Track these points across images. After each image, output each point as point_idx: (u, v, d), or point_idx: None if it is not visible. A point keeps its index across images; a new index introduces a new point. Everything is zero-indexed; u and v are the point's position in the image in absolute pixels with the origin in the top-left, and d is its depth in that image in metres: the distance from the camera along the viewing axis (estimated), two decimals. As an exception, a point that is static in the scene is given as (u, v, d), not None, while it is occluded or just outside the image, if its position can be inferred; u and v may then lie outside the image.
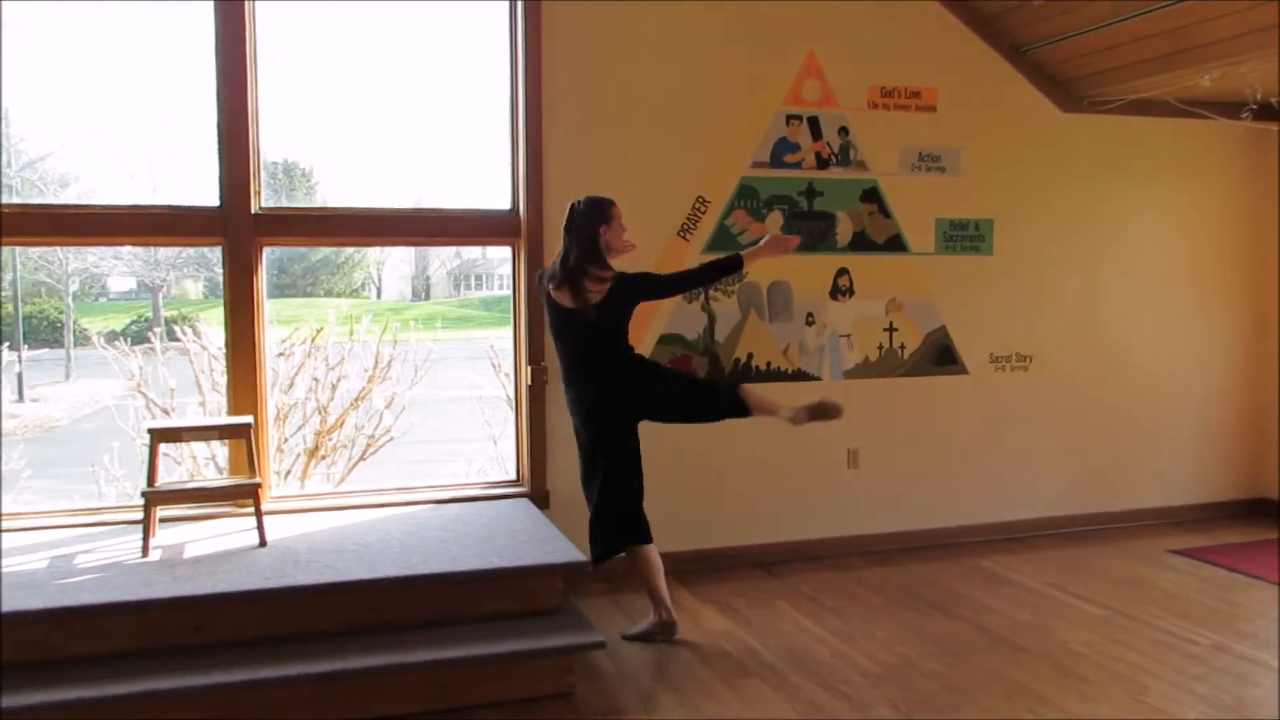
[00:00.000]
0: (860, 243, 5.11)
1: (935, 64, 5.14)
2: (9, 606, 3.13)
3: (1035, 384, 5.48)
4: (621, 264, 3.95)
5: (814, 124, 4.98)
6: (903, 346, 5.23)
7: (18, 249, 11.41)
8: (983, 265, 5.32)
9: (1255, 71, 4.68)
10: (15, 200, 5.78)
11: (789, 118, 4.95)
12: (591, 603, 4.35)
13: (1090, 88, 5.26)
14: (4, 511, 4.19)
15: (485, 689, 3.36)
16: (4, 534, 4.00)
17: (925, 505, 5.33)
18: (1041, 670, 3.66)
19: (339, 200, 5.39)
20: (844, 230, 5.08)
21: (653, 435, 4.78)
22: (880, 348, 5.19)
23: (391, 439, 5.55)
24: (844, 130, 5.03)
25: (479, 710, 3.33)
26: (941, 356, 5.30)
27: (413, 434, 5.69)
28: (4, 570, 3.52)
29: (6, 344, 6.49)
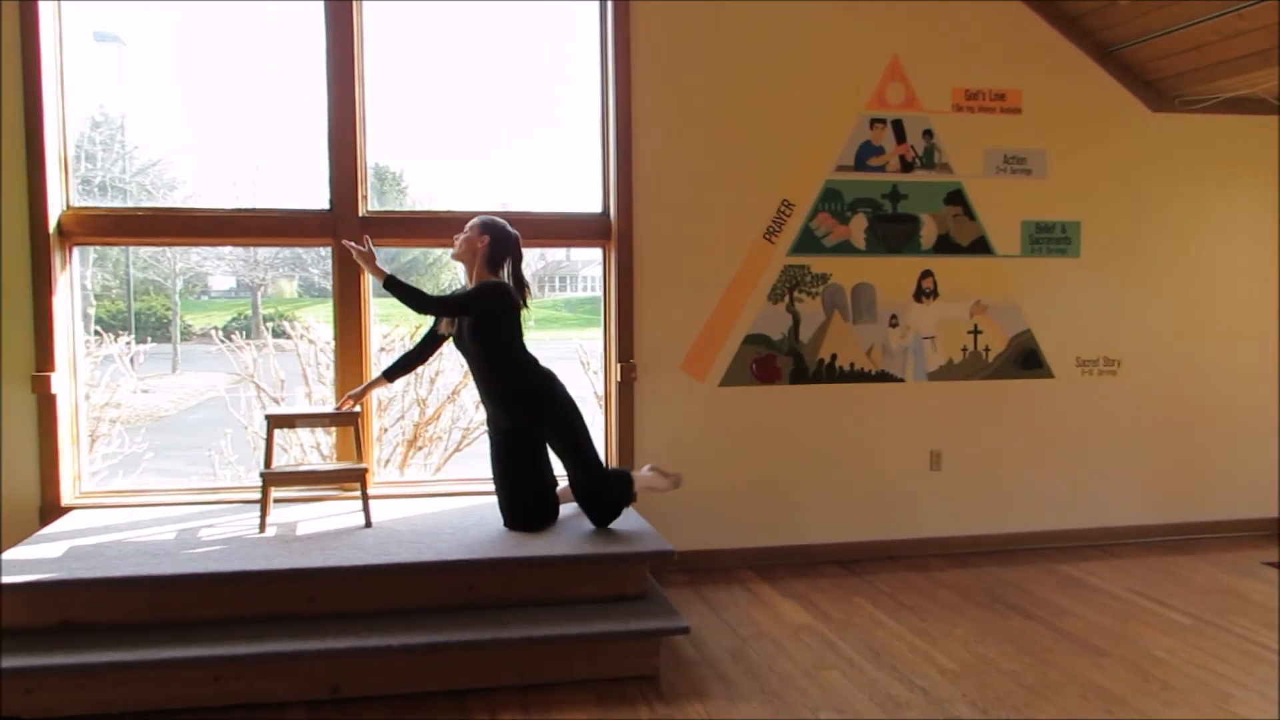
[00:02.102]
0: (944, 245, 5.15)
1: (1021, 66, 5.16)
2: (143, 571, 3.42)
3: (1123, 389, 5.44)
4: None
5: (898, 127, 5.05)
6: (987, 349, 5.25)
7: (130, 249, 12.04)
8: (1070, 267, 5.31)
9: (1355, 67, 4.60)
10: (130, 204, 6.21)
11: (873, 121, 5.02)
12: (674, 592, 4.50)
13: (1181, 86, 5.22)
14: (132, 489, 4.56)
15: (574, 667, 3.52)
16: (135, 508, 4.37)
17: (1007, 509, 5.33)
18: (1121, 674, 3.67)
19: (427, 203, 5.62)
20: (928, 233, 5.13)
21: (739, 432, 4.94)
22: (964, 350, 5.23)
23: (486, 432, 5.76)
24: (928, 133, 5.08)
25: (567, 687, 3.49)
26: (1027, 359, 5.31)
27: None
28: (138, 540, 3.84)
29: (129, 337, 6.92)
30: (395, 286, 3.87)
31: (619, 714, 3.31)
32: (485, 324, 3.96)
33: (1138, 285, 5.42)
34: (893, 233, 5.09)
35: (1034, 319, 5.29)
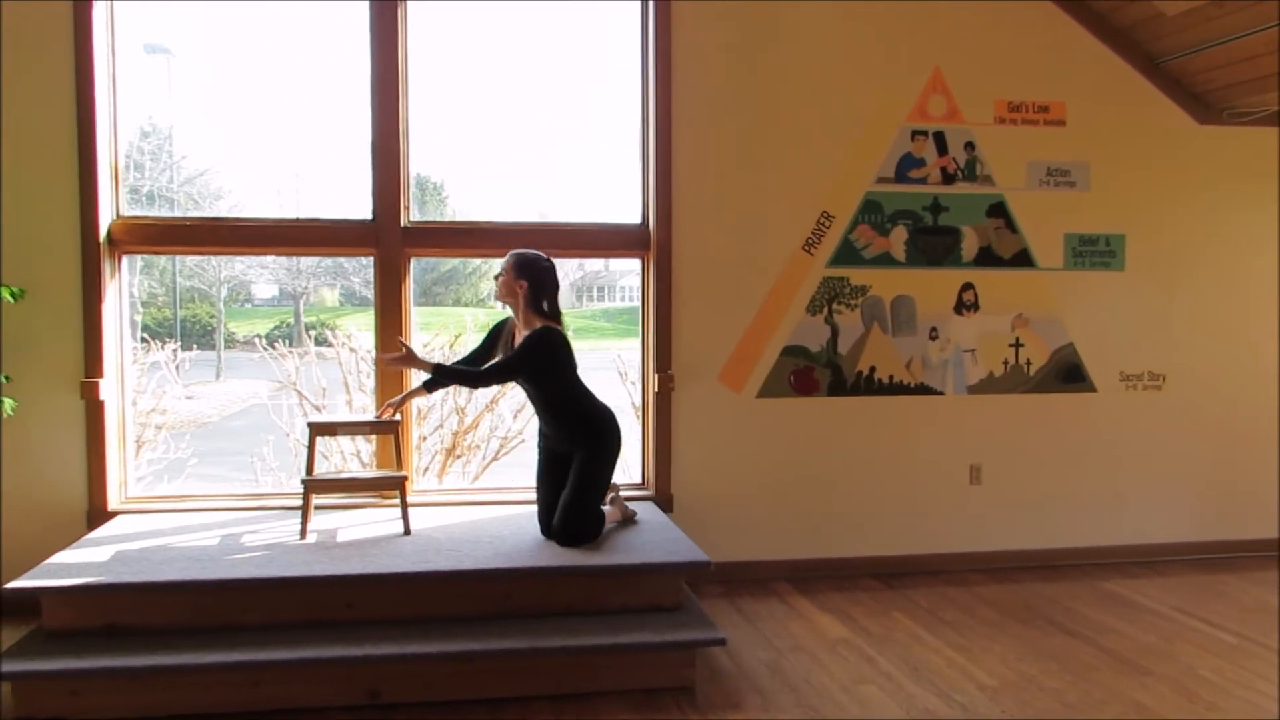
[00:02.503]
0: (986, 258, 5.11)
1: (1065, 77, 5.11)
2: (187, 576, 3.48)
3: (1168, 404, 5.35)
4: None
5: (939, 139, 5.02)
6: (1029, 362, 5.20)
7: (177, 257, 12.28)
8: (1113, 281, 5.24)
9: None
10: (177, 213, 6.33)
11: (914, 133, 5.00)
12: (710, 603, 4.48)
13: (1230, 99, 5.14)
14: (176, 494, 4.63)
15: (610, 677, 3.52)
16: (179, 514, 4.43)
17: (1048, 524, 5.26)
18: (1165, 694, 3.61)
19: (467, 213, 5.68)
20: (969, 245, 5.09)
21: (776, 443, 4.93)
22: (1005, 363, 5.18)
23: (523, 441, 5.80)
24: (970, 145, 5.05)
25: (603, 697, 3.50)
26: (1069, 374, 5.24)
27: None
28: (182, 545, 3.91)
29: (176, 344, 7.03)
30: (447, 374, 4.00)
31: (655, 725, 3.32)
32: (540, 372, 4.02)
33: (1183, 299, 5.34)
34: (933, 245, 5.05)
35: (1077, 332, 5.23)
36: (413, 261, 4.72)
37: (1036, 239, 5.15)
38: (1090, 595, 4.77)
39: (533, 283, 4.01)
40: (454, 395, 5.66)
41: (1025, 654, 3.99)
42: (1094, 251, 5.21)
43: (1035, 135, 5.10)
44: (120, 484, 4.50)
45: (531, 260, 4.05)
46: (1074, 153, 5.14)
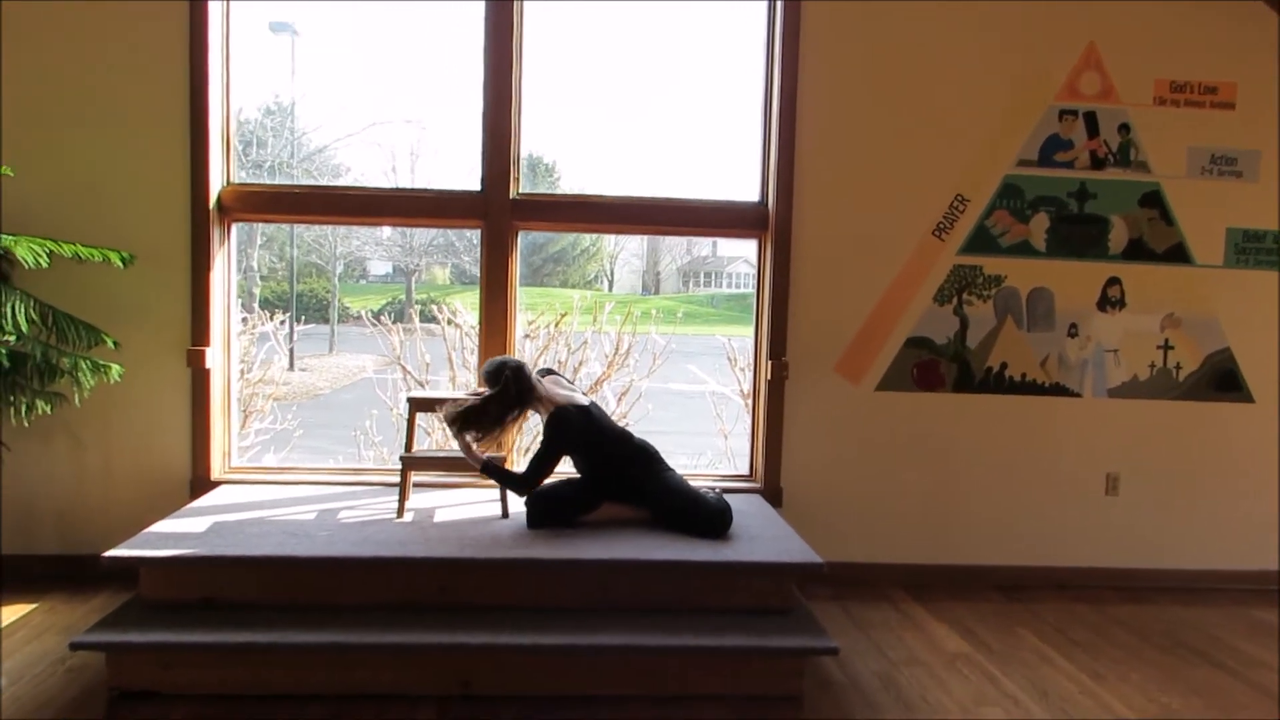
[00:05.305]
0: (1136, 251, 4.69)
1: (1237, 56, 4.64)
2: (281, 552, 3.40)
3: (1335, 418, 4.86)
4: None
5: (1090, 120, 4.62)
6: (1178, 367, 4.77)
7: (297, 230, 12.57)
8: (1280, 282, 4.77)
9: None
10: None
11: (1062, 113, 4.61)
12: (818, 606, 4.23)
13: None
14: (279, 465, 4.60)
15: (711, 681, 3.31)
16: (280, 485, 4.40)
17: (1193, 543, 4.84)
18: (1330, 739, 3.24)
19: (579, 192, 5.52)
20: (1118, 236, 4.68)
21: (895, 440, 4.64)
22: (1152, 366, 4.76)
23: (627, 424, 5.62)
24: (1125, 128, 4.63)
25: (703, 701, 3.29)
26: (1223, 381, 4.79)
27: (646, 423, 5.74)
28: (280, 518, 3.85)
29: (285, 315, 7.10)
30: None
31: (759, 738, 3.10)
32: None
33: (1359, 303, 4.82)
34: (1078, 235, 4.66)
35: (1235, 337, 4.77)
36: (521, 241, 4.56)
37: (1194, 233, 4.71)
38: (1238, 624, 4.36)
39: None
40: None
41: (1166, 684, 3.64)
42: (1259, 249, 4.74)
43: (1199, 118, 4.65)
44: (224, 453, 4.48)
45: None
46: (1243, 140, 4.67)
